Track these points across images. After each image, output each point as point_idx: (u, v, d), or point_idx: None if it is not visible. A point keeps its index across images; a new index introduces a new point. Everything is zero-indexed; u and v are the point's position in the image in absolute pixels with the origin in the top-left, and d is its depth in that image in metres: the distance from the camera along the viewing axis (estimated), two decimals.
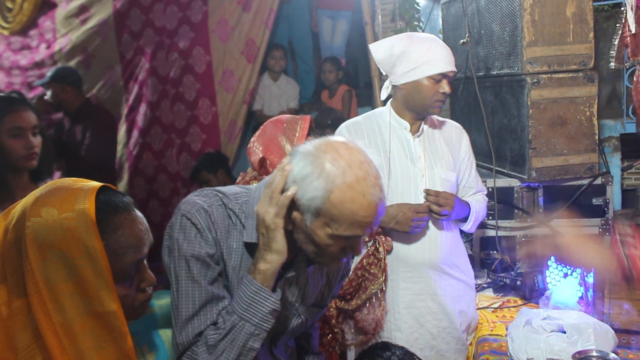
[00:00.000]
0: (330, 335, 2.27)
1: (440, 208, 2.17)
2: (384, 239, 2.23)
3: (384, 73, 2.31)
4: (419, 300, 2.26)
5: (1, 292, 0.95)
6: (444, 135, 2.36)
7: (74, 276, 0.93)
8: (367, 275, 2.22)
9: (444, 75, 2.19)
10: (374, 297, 2.25)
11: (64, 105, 4.20)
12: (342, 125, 2.35)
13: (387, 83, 2.32)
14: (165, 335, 1.26)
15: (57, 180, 1.04)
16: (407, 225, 2.16)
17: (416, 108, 2.25)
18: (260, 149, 2.25)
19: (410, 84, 2.20)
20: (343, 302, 2.31)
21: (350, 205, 1.26)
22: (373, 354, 1.83)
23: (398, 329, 2.26)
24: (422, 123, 2.31)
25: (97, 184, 1.01)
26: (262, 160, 2.23)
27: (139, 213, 1.08)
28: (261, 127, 2.31)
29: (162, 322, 1.26)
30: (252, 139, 2.29)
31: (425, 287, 2.26)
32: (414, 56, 2.17)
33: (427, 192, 2.21)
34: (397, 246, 2.25)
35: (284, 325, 1.52)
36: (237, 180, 2.34)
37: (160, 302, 1.30)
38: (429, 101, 2.21)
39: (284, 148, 2.22)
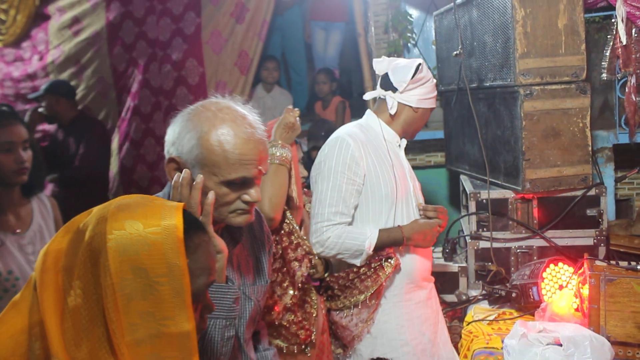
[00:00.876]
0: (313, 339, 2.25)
1: (442, 222, 2.29)
2: (397, 260, 2.22)
3: (395, 86, 2.29)
4: (417, 308, 2.30)
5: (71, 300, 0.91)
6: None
7: (151, 294, 0.89)
8: (357, 283, 2.22)
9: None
10: (355, 307, 2.24)
11: (58, 117, 4.20)
12: (347, 137, 2.22)
13: (379, 93, 2.33)
14: None
15: (127, 196, 1.00)
16: (432, 241, 2.27)
17: (412, 130, 2.39)
18: None
19: (423, 110, 2.34)
20: (328, 302, 2.30)
21: (225, 146, 1.32)
22: None
23: (405, 343, 2.25)
24: (403, 139, 2.41)
25: (179, 203, 0.98)
26: None
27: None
28: None
29: None
30: None
31: (422, 295, 2.33)
32: (432, 86, 2.35)
33: (425, 208, 2.30)
34: (402, 259, 2.27)
35: (242, 312, 1.54)
36: None
37: None
38: (420, 129, 2.44)
39: None
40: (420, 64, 2.28)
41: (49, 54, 5.17)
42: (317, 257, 2.25)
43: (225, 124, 1.34)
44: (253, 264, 1.61)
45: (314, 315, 2.23)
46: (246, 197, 1.38)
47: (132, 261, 0.89)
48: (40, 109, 4.20)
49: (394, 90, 2.30)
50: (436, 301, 2.44)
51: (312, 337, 2.19)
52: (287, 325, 2.14)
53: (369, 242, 2.17)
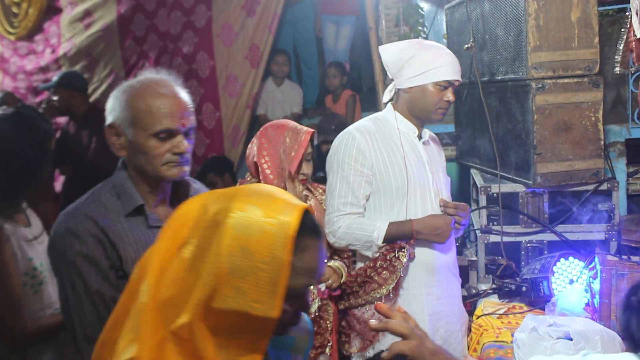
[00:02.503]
0: (330, 345, 2.25)
1: (461, 219, 2.23)
2: (410, 249, 2.20)
3: (389, 76, 2.30)
4: (438, 305, 2.27)
5: (185, 253, 1.00)
6: (432, 141, 2.41)
7: (250, 275, 0.96)
8: (375, 277, 2.21)
9: (450, 83, 2.20)
10: (379, 300, 2.23)
11: (71, 110, 4.21)
12: (354, 130, 2.24)
13: (391, 86, 2.32)
14: None
15: (261, 184, 1.09)
16: (445, 237, 2.20)
17: (419, 113, 2.26)
18: (255, 152, 2.25)
19: (415, 89, 2.21)
20: (344, 301, 2.30)
21: (147, 102, 1.52)
22: None
23: None
24: (424, 129, 2.34)
25: (303, 204, 1.04)
26: (255, 164, 2.24)
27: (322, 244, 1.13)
28: (262, 127, 2.30)
29: (299, 348, 1.28)
30: (252, 141, 2.29)
31: (443, 290, 2.29)
32: (422, 61, 2.18)
33: (446, 205, 2.24)
34: (420, 252, 2.24)
35: None
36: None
37: (302, 331, 1.31)
38: (433, 107, 2.22)
39: (279, 155, 2.20)
40: (387, 48, 2.26)
41: (61, 47, 5.20)
42: (328, 265, 2.25)
43: (148, 86, 1.56)
44: None
45: (329, 329, 2.24)
46: (174, 149, 1.55)
47: (243, 241, 0.97)
48: (52, 102, 4.22)
49: (391, 77, 2.30)
50: (459, 300, 2.37)
51: (327, 350, 2.23)
52: None
53: (378, 234, 2.17)
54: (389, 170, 2.22)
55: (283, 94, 5.06)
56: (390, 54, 2.25)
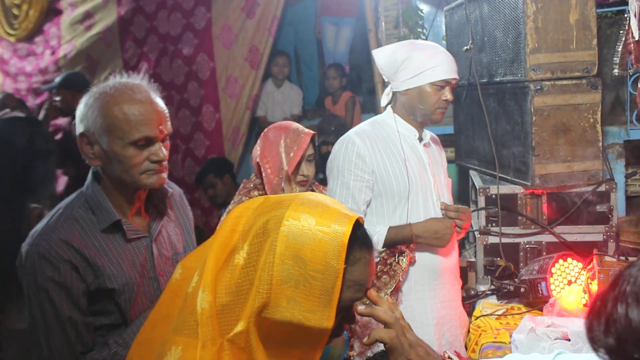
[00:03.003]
0: None
1: (462, 222, 2.22)
2: (410, 254, 2.21)
3: (385, 80, 2.31)
4: (442, 308, 2.28)
5: (238, 257, 1.00)
6: (432, 142, 2.41)
7: (303, 285, 0.96)
8: (375, 281, 2.21)
9: (447, 82, 2.20)
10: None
11: (74, 111, 4.19)
12: (354, 135, 2.23)
13: (387, 90, 2.32)
14: None
15: (312, 193, 1.08)
16: (445, 240, 2.19)
17: (418, 115, 2.25)
18: (258, 153, 2.26)
19: (413, 90, 2.21)
20: None
21: (124, 109, 1.45)
22: None
23: (431, 343, 2.19)
24: (424, 130, 2.34)
25: (355, 215, 1.04)
26: (258, 165, 2.24)
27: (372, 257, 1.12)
28: (266, 129, 2.31)
29: (334, 358, 1.27)
30: (257, 143, 2.30)
31: (447, 293, 2.30)
32: (417, 62, 2.18)
33: (447, 208, 2.24)
34: (423, 256, 2.24)
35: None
36: (240, 188, 2.35)
37: (338, 342, 1.30)
38: (432, 108, 2.22)
39: (279, 157, 2.21)
40: (381, 51, 2.25)
41: (61, 49, 5.21)
42: None
43: (123, 93, 1.48)
44: (182, 235, 1.74)
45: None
46: (153, 157, 1.50)
47: (296, 250, 0.97)
48: (54, 103, 4.22)
49: (387, 80, 2.30)
50: (459, 303, 2.39)
51: None
52: None
53: (377, 238, 2.16)
54: (390, 175, 2.21)
55: (283, 95, 5.07)
56: (383, 57, 2.24)
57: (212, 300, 0.98)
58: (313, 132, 2.26)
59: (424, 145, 2.32)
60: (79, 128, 1.52)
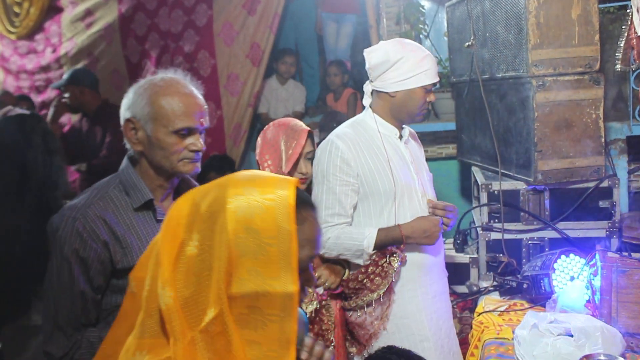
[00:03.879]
0: (333, 344, 2.25)
1: (449, 220, 2.24)
2: (402, 254, 2.20)
3: (370, 78, 2.27)
4: (433, 302, 2.29)
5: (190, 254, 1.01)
6: (411, 138, 2.40)
7: (261, 254, 0.98)
8: (367, 283, 2.21)
9: (433, 85, 2.24)
10: (369, 305, 2.23)
11: (83, 107, 4.17)
12: (336, 139, 2.22)
13: (368, 89, 2.29)
14: None
15: (245, 171, 1.11)
16: (434, 238, 2.21)
17: (404, 116, 2.26)
18: (258, 150, 2.26)
19: (403, 92, 2.20)
20: (344, 302, 2.30)
21: (170, 100, 1.59)
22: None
23: (425, 338, 2.23)
24: (405, 128, 2.34)
25: (292, 178, 1.09)
26: (258, 163, 2.24)
27: None
28: (266, 126, 2.31)
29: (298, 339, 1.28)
30: (258, 138, 2.30)
31: (438, 287, 2.32)
32: (409, 64, 2.17)
33: (435, 206, 2.26)
34: (412, 254, 2.24)
35: None
36: None
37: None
38: (418, 110, 2.24)
39: (278, 155, 2.19)
40: (375, 50, 2.22)
41: (62, 47, 5.21)
42: (322, 267, 2.24)
43: (170, 85, 1.62)
44: None
45: (330, 329, 2.24)
46: (192, 146, 1.63)
47: (247, 222, 0.99)
48: (63, 99, 4.19)
49: (370, 79, 2.28)
50: (448, 295, 2.43)
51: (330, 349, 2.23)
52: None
53: (368, 242, 2.16)
54: (375, 176, 2.21)
55: (287, 92, 5.06)
56: (377, 56, 2.21)
57: (175, 295, 0.99)
58: (308, 129, 2.24)
59: (405, 142, 2.32)
60: (126, 114, 1.63)
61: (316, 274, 2.19)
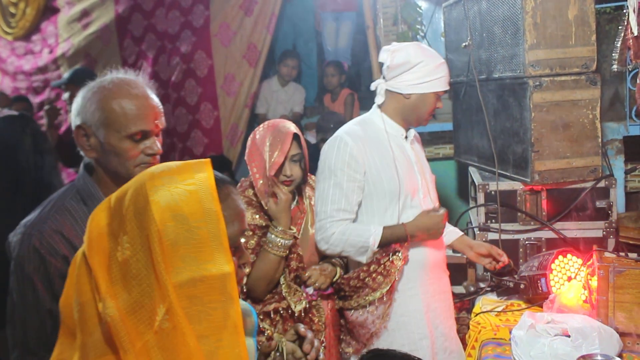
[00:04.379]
0: (323, 345, 2.24)
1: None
2: (404, 252, 2.20)
3: (385, 77, 2.29)
4: (434, 301, 2.30)
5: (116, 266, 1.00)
6: (415, 139, 2.43)
7: (192, 239, 0.98)
8: (369, 282, 2.21)
9: (444, 92, 2.30)
10: (370, 305, 2.23)
11: None
12: (345, 136, 2.23)
13: (380, 88, 2.30)
14: (247, 344, 1.25)
15: (156, 165, 1.10)
16: (439, 234, 2.25)
17: (413, 118, 2.29)
18: (247, 152, 2.24)
19: (417, 95, 2.24)
20: (340, 301, 2.30)
21: (121, 103, 1.50)
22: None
23: (424, 336, 2.24)
24: (410, 129, 2.37)
25: (206, 159, 1.08)
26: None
27: None
28: (255, 129, 2.29)
29: (248, 331, 1.27)
30: (248, 140, 2.29)
31: (436, 286, 2.33)
32: (428, 69, 2.21)
33: (489, 251, 2.41)
34: (413, 252, 2.25)
35: None
36: (237, 186, 2.33)
37: (245, 314, 1.29)
38: (427, 114, 2.29)
39: (264, 158, 2.17)
40: (396, 50, 2.23)
41: (59, 47, 5.19)
42: (313, 267, 2.23)
43: (120, 87, 1.53)
44: None
45: (321, 330, 2.24)
46: (148, 150, 1.55)
47: (173, 209, 0.99)
48: (63, 98, 4.13)
49: (385, 78, 2.29)
50: (450, 295, 2.44)
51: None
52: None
53: (373, 239, 2.17)
54: (381, 175, 2.22)
55: (287, 94, 5.05)
56: (399, 57, 2.22)
57: (117, 305, 0.97)
58: (295, 132, 2.21)
59: (410, 143, 2.34)
60: (76, 120, 1.54)
61: (306, 274, 2.19)
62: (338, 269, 2.27)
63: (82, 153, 1.58)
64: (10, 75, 5.67)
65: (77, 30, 5.02)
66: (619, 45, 2.85)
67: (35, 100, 5.33)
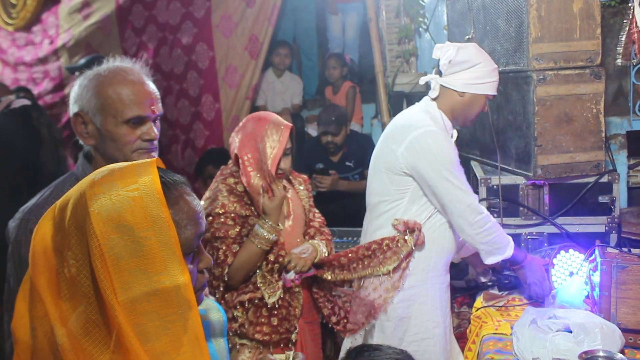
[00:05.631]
0: (296, 332, 2.25)
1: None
2: (418, 234, 2.22)
3: (442, 71, 2.27)
4: (445, 292, 2.35)
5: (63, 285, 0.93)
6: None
7: (140, 251, 0.90)
8: (378, 253, 2.22)
9: (493, 97, 2.34)
10: (375, 278, 2.24)
11: None
12: (437, 132, 2.21)
13: (434, 83, 2.29)
14: (219, 348, 1.21)
15: (99, 169, 1.01)
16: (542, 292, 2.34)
17: (462, 117, 2.31)
18: (237, 144, 2.23)
19: (471, 95, 2.25)
20: (345, 272, 2.29)
21: (117, 89, 1.52)
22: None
23: (437, 325, 2.29)
24: (454, 129, 2.39)
25: (151, 159, 1.00)
26: (237, 157, 2.22)
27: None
28: (244, 119, 2.29)
29: (217, 332, 1.23)
30: (234, 130, 2.28)
31: (447, 279, 2.37)
32: (486, 71, 2.25)
33: None
34: (449, 241, 2.30)
35: None
36: (217, 175, 2.34)
37: (212, 312, 1.25)
38: (474, 115, 2.33)
39: (259, 151, 2.17)
40: (461, 48, 2.24)
41: (59, 38, 5.17)
42: (292, 251, 2.24)
43: (116, 74, 1.55)
44: None
45: (296, 316, 2.25)
46: (145, 135, 1.56)
47: (116, 220, 0.90)
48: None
49: (440, 74, 2.29)
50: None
51: (293, 337, 2.24)
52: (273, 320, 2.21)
53: (510, 248, 2.25)
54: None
55: (283, 85, 5.04)
56: (462, 54, 2.22)
57: (66, 331, 0.90)
58: (291, 125, 2.22)
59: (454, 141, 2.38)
60: (74, 108, 1.56)
61: (286, 259, 2.20)
62: (320, 249, 2.28)
63: (80, 141, 1.60)
64: (11, 66, 5.65)
65: (78, 21, 4.99)
66: (623, 39, 2.83)
67: (34, 91, 5.31)
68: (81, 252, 0.91)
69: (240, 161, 2.19)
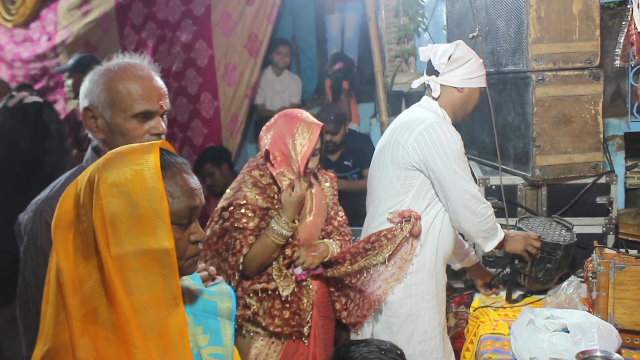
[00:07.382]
0: (309, 325, 2.27)
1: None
2: (415, 222, 2.23)
3: (439, 70, 2.28)
4: (443, 290, 2.36)
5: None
6: None
7: (135, 214, 1.05)
8: (376, 244, 2.25)
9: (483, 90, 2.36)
10: (373, 268, 2.24)
11: None
12: (445, 124, 2.23)
13: (435, 83, 2.30)
14: (224, 327, 1.28)
15: (114, 149, 1.17)
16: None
17: (461, 112, 2.34)
18: (269, 140, 2.25)
19: (468, 89, 2.28)
20: (346, 264, 2.29)
21: (126, 84, 1.56)
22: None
23: (440, 323, 2.31)
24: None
25: (156, 142, 1.14)
26: (267, 153, 2.24)
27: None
28: (275, 115, 2.31)
29: (225, 314, 1.30)
30: (265, 126, 2.30)
31: (446, 277, 2.39)
32: (476, 66, 2.29)
33: None
34: (447, 239, 2.31)
35: None
36: (244, 166, 2.37)
37: (224, 297, 1.32)
38: (471, 110, 2.35)
39: (288, 148, 2.20)
40: (457, 44, 2.27)
41: (58, 35, 5.15)
42: (300, 249, 2.27)
43: (126, 70, 1.58)
44: None
45: (308, 310, 2.26)
46: (153, 130, 1.60)
47: (118, 186, 1.06)
48: (67, 84, 4.08)
49: (437, 74, 2.30)
50: None
51: (305, 330, 2.26)
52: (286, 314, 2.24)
53: (500, 233, 2.28)
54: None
55: (282, 83, 5.03)
56: (458, 51, 2.26)
57: (72, 280, 1.05)
58: (322, 125, 2.25)
59: None
60: (84, 103, 1.60)
61: (295, 255, 2.24)
62: (331, 249, 2.31)
63: (89, 135, 1.63)
64: (7, 63, 5.63)
65: (77, 18, 4.98)
66: (622, 40, 2.84)
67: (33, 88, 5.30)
68: (90, 210, 1.06)
69: (270, 157, 2.22)
